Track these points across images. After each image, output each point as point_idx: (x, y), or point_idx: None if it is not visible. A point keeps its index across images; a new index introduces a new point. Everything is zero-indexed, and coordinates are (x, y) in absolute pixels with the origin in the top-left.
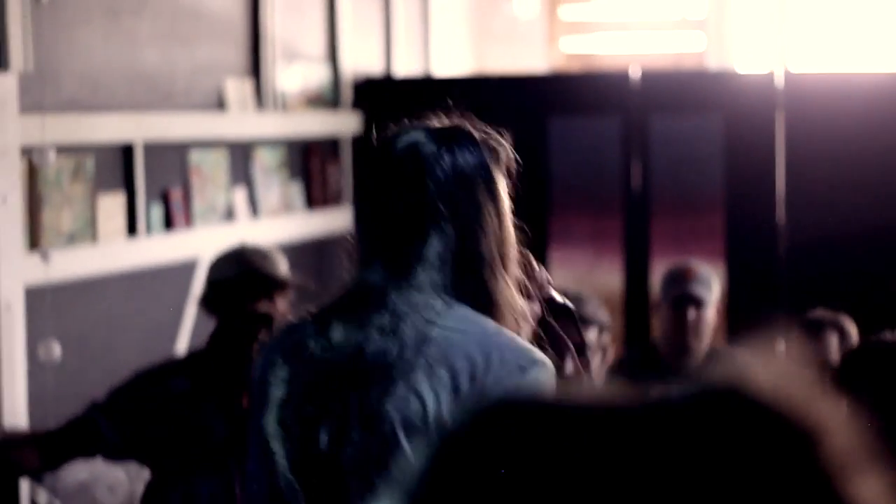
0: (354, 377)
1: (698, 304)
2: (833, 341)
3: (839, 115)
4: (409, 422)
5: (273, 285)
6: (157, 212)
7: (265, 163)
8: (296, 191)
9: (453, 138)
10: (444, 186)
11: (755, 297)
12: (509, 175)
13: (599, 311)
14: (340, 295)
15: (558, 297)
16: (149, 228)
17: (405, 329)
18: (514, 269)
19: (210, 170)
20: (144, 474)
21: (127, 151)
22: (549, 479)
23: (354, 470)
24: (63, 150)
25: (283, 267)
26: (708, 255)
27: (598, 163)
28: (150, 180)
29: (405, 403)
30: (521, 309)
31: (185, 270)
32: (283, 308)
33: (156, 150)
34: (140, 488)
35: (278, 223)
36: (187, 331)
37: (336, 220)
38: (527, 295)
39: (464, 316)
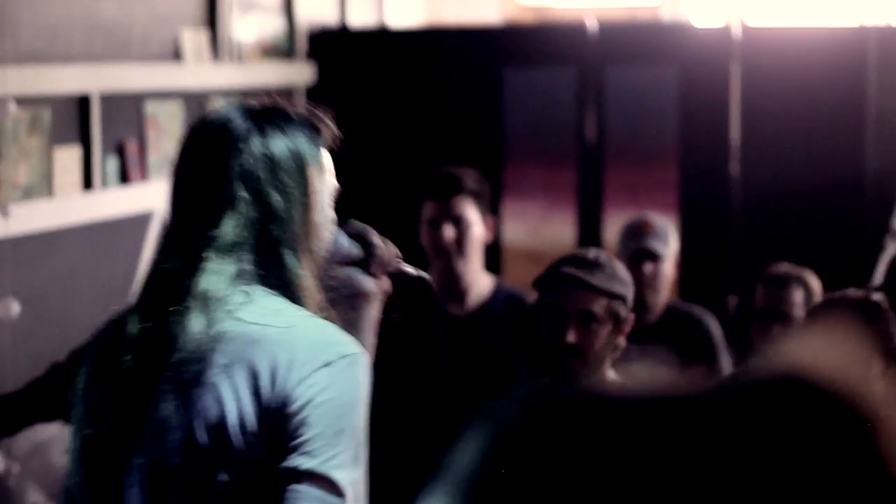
0: (152, 378)
1: (655, 258)
2: (798, 296)
3: (794, 69)
4: (208, 425)
5: None
6: (113, 164)
7: None
8: None
9: (267, 118)
10: (248, 168)
11: (708, 250)
12: (332, 154)
13: (612, 281)
14: (142, 286)
15: (410, 270)
16: (104, 182)
17: (203, 324)
18: (318, 256)
19: (166, 121)
20: None
21: (83, 103)
22: (616, 470)
23: (153, 477)
24: (20, 102)
25: None
26: (661, 207)
27: (552, 114)
28: (105, 132)
29: (204, 405)
30: (319, 296)
31: (140, 223)
32: None
33: (112, 102)
34: None
35: None
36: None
37: None
38: (371, 273)
39: (267, 307)
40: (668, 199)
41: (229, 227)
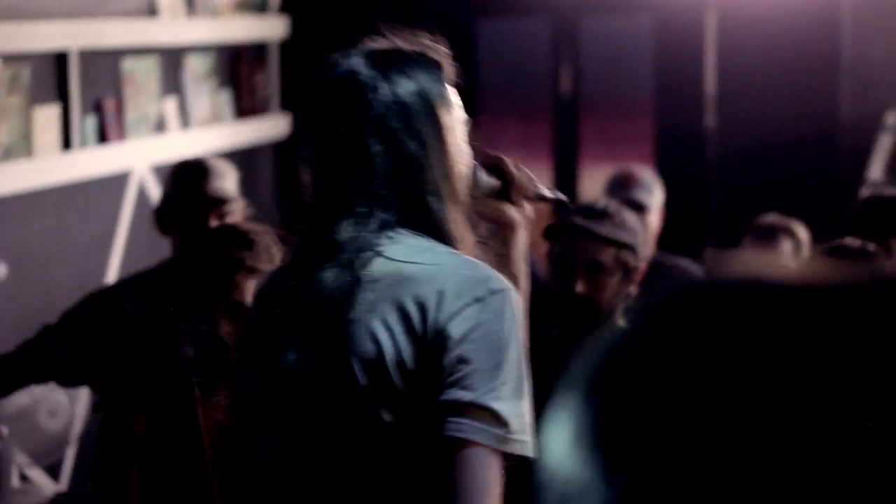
0: (314, 317)
1: (641, 209)
2: (786, 246)
3: (769, 18)
4: (365, 364)
5: (225, 201)
6: (91, 123)
7: (195, 70)
8: (225, 100)
9: (392, 62)
10: (381, 120)
11: (685, 202)
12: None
13: (621, 231)
14: (301, 235)
15: (548, 193)
16: (83, 141)
17: (355, 267)
18: (463, 196)
19: (142, 78)
20: (85, 396)
21: (61, 61)
22: (760, 361)
23: (319, 408)
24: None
25: (232, 181)
26: (638, 159)
27: (527, 66)
28: (83, 90)
29: (358, 345)
30: (471, 237)
31: (118, 182)
32: (237, 220)
33: (89, 59)
34: (81, 410)
35: (208, 133)
36: (122, 245)
37: (264, 129)
38: (513, 201)
39: (415, 247)
40: (644, 151)
41: (369, 181)
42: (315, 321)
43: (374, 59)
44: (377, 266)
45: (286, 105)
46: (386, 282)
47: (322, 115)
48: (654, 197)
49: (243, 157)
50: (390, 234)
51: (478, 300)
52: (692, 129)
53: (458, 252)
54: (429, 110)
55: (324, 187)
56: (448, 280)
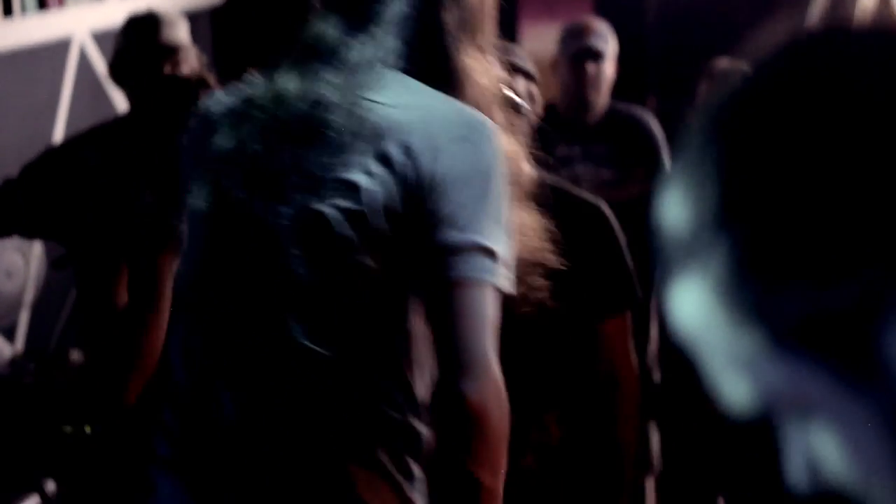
0: (298, 137)
1: (597, 57)
2: None
3: None
4: (344, 208)
5: (178, 49)
6: None
7: None
8: None
9: None
10: None
11: (625, 53)
12: None
13: (527, 62)
14: (295, 47)
15: (510, 94)
16: (23, 8)
17: (349, 93)
18: (487, 45)
19: None
20: (37, 252)
21: None
22: (883, 108)
23: (286, 232)
24: None
25: (183, 30)
26: (577, 15)
27: None
28: None
29: (339, 191)
30: (486, 84)
31: (59, 49)
32: (191, 68)
33: None
34: (35, 270)
35: (146, 0)
36: (65, 110)
37: None
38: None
39: (408, 87)
40: (583, 7)
41: (395, 5)
42: (283, 165)
43: None
44: (363, 111)
45: None
46: (369, 129)
47: None
48: (610, 46)
49: None
50: (392, 69)
51: (463, 139)
52: None
53: (448, 97)
54: None
55: (338, 2)
56: (433, 121)
